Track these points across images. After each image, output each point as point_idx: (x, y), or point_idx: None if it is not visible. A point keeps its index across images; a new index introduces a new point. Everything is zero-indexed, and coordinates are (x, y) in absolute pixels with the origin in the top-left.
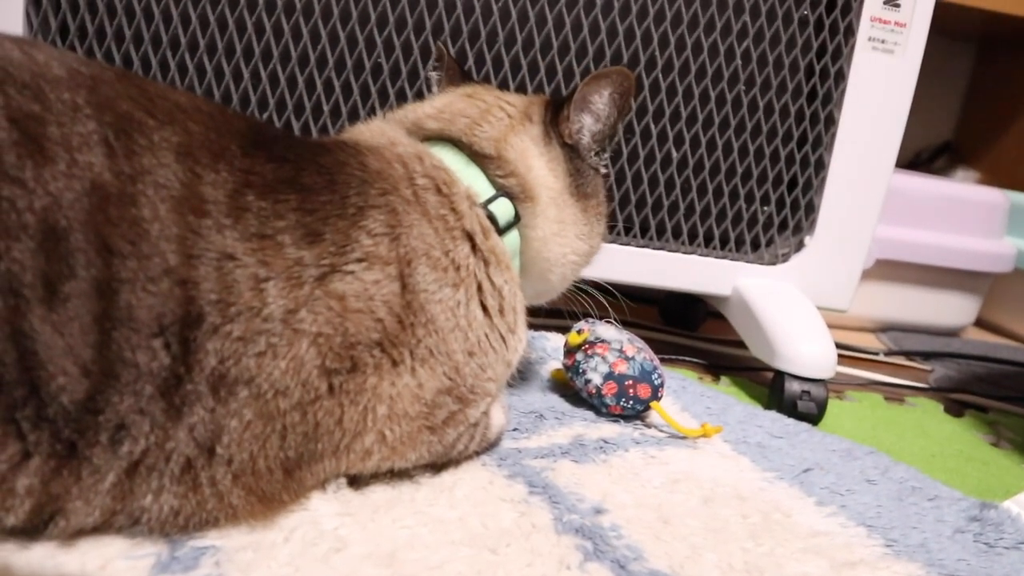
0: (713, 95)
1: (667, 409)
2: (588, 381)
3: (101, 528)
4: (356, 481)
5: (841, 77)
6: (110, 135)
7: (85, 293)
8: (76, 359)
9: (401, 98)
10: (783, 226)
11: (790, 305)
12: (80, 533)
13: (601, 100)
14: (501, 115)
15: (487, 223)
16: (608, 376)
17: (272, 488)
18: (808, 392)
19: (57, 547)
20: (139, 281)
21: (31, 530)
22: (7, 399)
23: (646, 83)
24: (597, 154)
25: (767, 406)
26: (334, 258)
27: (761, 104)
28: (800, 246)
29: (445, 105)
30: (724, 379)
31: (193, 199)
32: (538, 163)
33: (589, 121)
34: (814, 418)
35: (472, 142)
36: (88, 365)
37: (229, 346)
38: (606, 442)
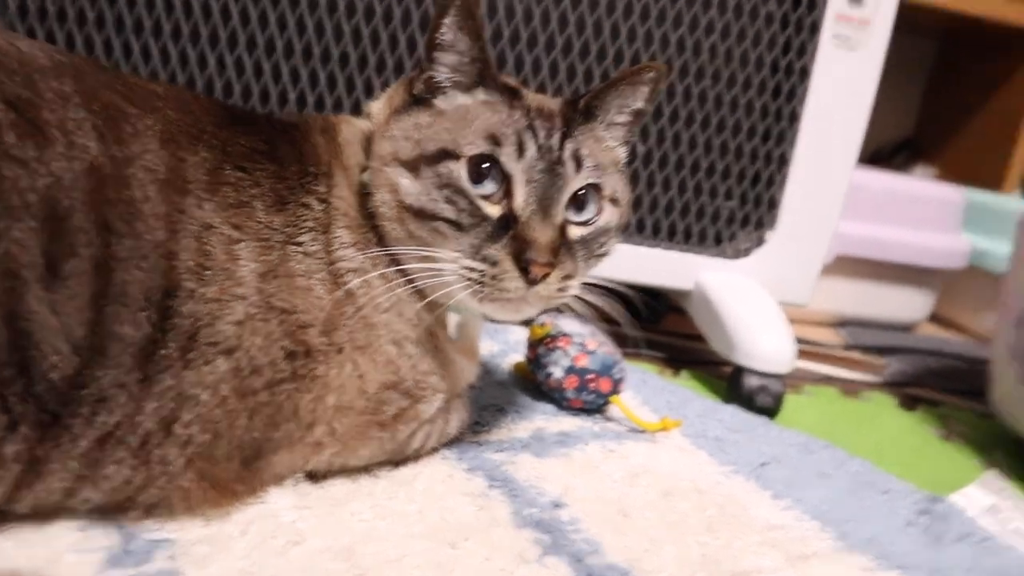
0: (679, 89)
1: (627, 403)
2: (549, 375)
3: (68, 495)
4: (315, 475)
5: (805, 74)
6: (99, 122)
7: (85, 272)
8: (69, 337)
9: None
10: (745, 221)
11: (750, 300)
12: (47, 510)
13: (447, 31)
14: (388, 90)
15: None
16: (569, 370)
17: (227, 476)
18: (766, 387)
19: (5, 540)
20: (133, 259)
21: (6, 508)
22: None
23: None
24: (480, 80)
25: (726, 400)
26: (292, 228)
27: (726, 100)
28: (761, 241)
29: None
30: (684, 373)
31: (177, 180)
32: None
33: (445, 57)
34: (771, 412)
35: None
36: (80, 343)
37: (203, 308)
38: (566, 436)
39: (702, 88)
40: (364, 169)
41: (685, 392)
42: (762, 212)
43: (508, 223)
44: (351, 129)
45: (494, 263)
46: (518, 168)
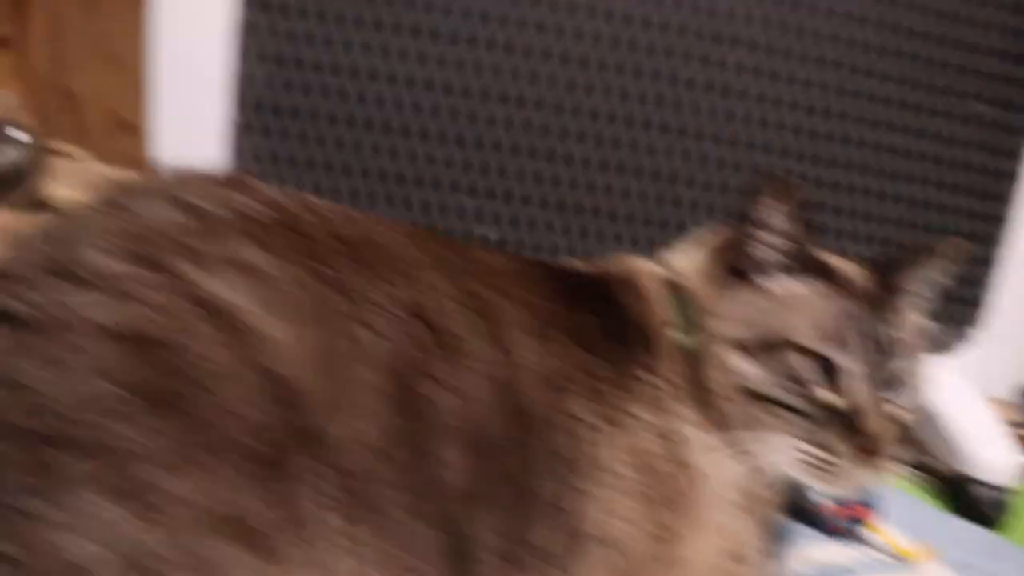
0: (890, 194)
1: (881, 526)
2: (812, 501)
3: None
4: None
5: (1013, 177)
6: (476, 320)
7: (501, 489)
8: (492, 548)
9: None
10: (954, 318)
11: (968, 403)
12: None
13: (770, 213)
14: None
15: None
16: (832, 498)
17: None
18: (995, 498)
19: None
20: (540, 466)
21: None
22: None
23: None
24: (803, 265)
25: (947, 506)
26: (636, 407)
27: (934, 201)
28: (968, 337)
29: None
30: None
31: (549, 375)
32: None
33: (765, 236)
34: (996, 523)
35: None
36: (499, 551)
37: (580, 501)
38: (845, 570)
39: (911, 191)
40: (674, 326)
41: (912, 500)
42: (966, 309)
43: (845, 412)
44: (651, 281)
45: (834, 451)
46: (853, 361)
